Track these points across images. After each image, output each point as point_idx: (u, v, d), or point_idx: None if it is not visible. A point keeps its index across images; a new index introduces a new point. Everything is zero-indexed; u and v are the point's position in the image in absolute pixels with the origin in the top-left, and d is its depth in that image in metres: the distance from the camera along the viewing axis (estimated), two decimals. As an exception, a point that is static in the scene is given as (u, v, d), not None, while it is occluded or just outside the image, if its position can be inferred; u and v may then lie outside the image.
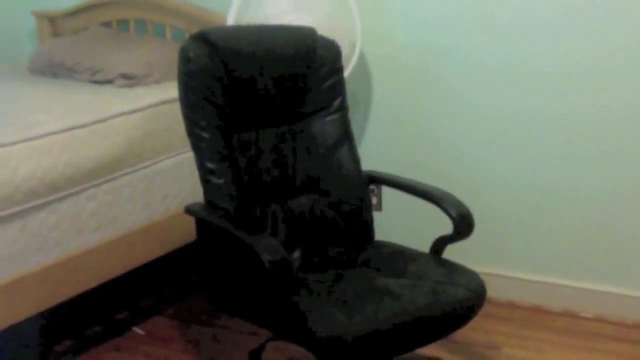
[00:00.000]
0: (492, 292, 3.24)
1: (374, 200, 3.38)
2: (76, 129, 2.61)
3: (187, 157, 3.01)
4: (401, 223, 3.35)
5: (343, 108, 2.60)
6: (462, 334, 2.99)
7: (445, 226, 2.37)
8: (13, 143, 2.40)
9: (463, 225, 2.35)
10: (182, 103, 2.36)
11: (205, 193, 2.35)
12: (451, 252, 2.47)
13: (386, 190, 3.37)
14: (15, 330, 2.80)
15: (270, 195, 2.50)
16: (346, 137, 2.58)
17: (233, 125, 2.44)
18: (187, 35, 3.43)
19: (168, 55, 3.28)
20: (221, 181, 2.34)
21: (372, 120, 3.36)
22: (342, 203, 2.56)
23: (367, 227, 2.59)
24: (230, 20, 3.08)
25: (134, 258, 2.85)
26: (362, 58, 3.29)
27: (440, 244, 2.48)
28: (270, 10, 3.04)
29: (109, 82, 3.21)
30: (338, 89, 2.60)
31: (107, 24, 3.70)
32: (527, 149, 3.14)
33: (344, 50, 2.90)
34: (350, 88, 3.21)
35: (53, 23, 3.80)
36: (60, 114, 2.68)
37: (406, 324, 2.07)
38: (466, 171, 3.24)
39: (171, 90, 3.03)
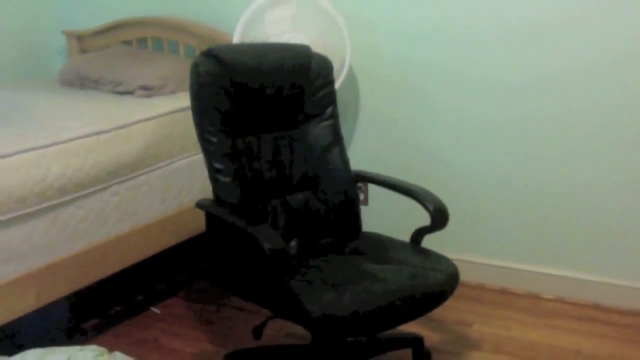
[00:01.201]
0: (464, 276, 3.23)
1: (361, 196, 3.38)
2: (101, 134, 2.63)
3: (197, 158, 3.01)
4: (385, 216, 3.34)
5: (334, 115, 2.60)
6: (438, 313, 2.97)
7: (424, 219, 2.38)
8: (46, 146, 2.42)
9: (439, 217, 2.36)
10: (193, 111, 2.36)
11: (214, 190, 2.35)
12: (429, 242, 2.47)
13: (372, 187, 3.36)
14: (47, 309, 2.79)
15: (271, 191, 2.50)
16: (337, 140, 2.58)
17: (238, 130, 2.44)
18: (197, 52, 3.42)
19: (181, 70, 3.28)
20: (227, 179, 2.34)
21: (360, 125, 3.35)
22: (333, 199, 2.55)
23: (355, 220, 2.59)
24: (236, 39, 3.09)
25: (151, 247, 2.86)
26: (351, 71, 3.28)
27: (419, 235, 2.48)
28: (270, 30, 3.04)
29: (130, 93, 3.22)
30: (330, 98, 2.60)
31: (127, 42, 3.70)
32: (496, 150, 3.13)
33: (335, 65, 2.89)
34: (340, 98, 3.20)
35: (81, 41, 3.80)
36: (87, 121, 2.70)
37: (389, 305, 2.07)
38: (442, 170, 3.23)
39: (184, 100, 3.03)
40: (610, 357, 2.66)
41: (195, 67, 2.34)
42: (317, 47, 2.86)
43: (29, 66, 3.88)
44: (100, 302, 3.09)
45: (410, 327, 2.81)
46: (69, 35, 3.79)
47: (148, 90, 3.17)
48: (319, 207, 2.54)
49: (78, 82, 3.38)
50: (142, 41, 3.68)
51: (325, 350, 2.39)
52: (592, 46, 2.85)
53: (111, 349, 2.57)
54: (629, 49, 2.80)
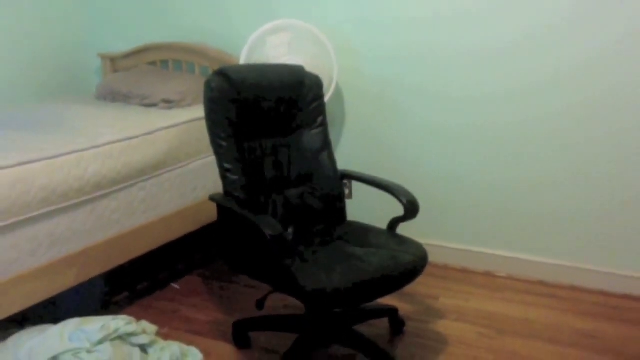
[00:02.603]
0: (431, 257, 3.26)
1: (347, 191, 3.36)
2: (130, 140, 2.63)
3: (210, 159, 3.01)
4: (366, 208, 3.33)
5: (324, 124, 2.59)
6: (411, 288, 3.01)
7: (398, 210, 2.37)
8: (84, 150, 2.42)
9: (411, 209, 2.36)
10: (207, 120, 2.35)
11: (224, 186, 2.34)
12: (403, 229, 2.47)
13: (355, 184, 3.35)
14: (86, 286, 2.78)
15: (271, 187, 2.49)
16: (326, 145, 2.58)
17: (244, 136, 2.44)
18: (210, 71, 3.44)
19: (197, 86, 3.28)
20: (235, 177, 2.33)
21: (345, 132, 3.34)
22: (323, 193, 2.55)
23: (341, 211, 2.58)
24: (242, 60, 3.09)
25: (172, 233, 2.86)
26: (337, 88, 3.28)
27: (394, 223, 2.48)
28: (271, 53, 3.05)
29: (154, 105, 3.22)
30: (320, 110, 2.59)
31: (152, 63, 3.69)
32: (457, 152, 3.13)
33: (325, 82, 2.90)
34: (329, 109, 3.21)
35: (113, 62, 3.79)
36: (119, 128, 2.69)
37: (370, 281, 2.07)
38: (414, 169, 3.23)
39: (199, 111, 3.03)
40: (552, 324, 2.67)
41: (208, 84, 2.34)
42: (310, 68, 2.85)
43: (71, 83, 3.87)
44: (130, 279, 3.08)
45: (387, 300, 2.84)
46: (104, 57, 3.78)
47: (169, 103, 3.17)
48: (311, 200, 2.53)
49: (111, 96, 3.38)
50: (164, 62, 3.67)
51: (317, 319, 2.39)
52: (534, 68, 2.86)
53: (138, 319, 2.57)
54: (567, 70, 2.81)
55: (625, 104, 2.74)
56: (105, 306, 2.82)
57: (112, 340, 2.21)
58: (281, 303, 2.85)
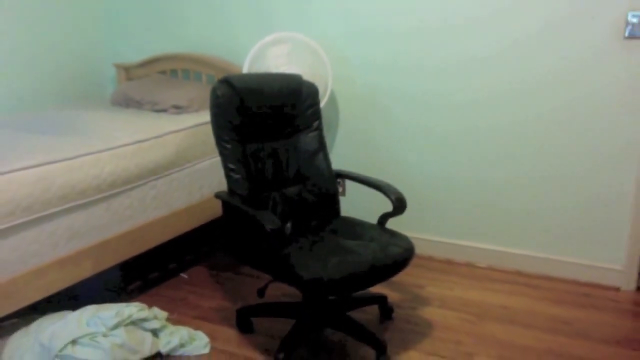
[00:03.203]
0: (418, 250, 3.28)
1: (340, 189, 3.37)
2: (142, 142, 2.62)
3: (215, 160, 3.02)
4: (358, 204, 3.33)
5: (319, 128, 2.58)
6: (399, 278, 3.02)
7: (388, 206, 2.36)
8: (101, 151, 2.42)
9: (399, 205, 2.36)
10: (212, 124, 2.34)
11: (228, 184, 2.34)
12: (392, 224, 2.46)
13: (348, 182, 3.36)
14: (102, 275, 2.79)
15: (271, 185, 2.49)
16: (321, 147, 2.57)
17: (246, 139, 2.43)
18: (216, 80, 3.44)
19: (203, 93, 3.28)
20: (238, 176, 2.33)
21: (339, 135, 3.34)
22: (319, 190, 2.54)
23: (335, 207, 2.58)
24: (245, 69, 3.08)
25: (181, 227, 2.85)
26: (332, 94, 3.28)
27: (384, 218, 2.47)
28: (271, 63, 3.04)
29: (164, 111, 3.21)
30: (316, 115, 2.58)
31: (162, 72, 3.68)
32: (444, 154, 3.13)
33: (320, 89, 2.90)
34: (324, 114, 3.22)
35: (127, 71, 3.78)
36: (132, 131, 2.68)
37: (362, 271, 2.07)
38: (402, 169, 3.23)
39: (205, 116, 3.04)
40: (528, 310, 2.68)
41: (214, 91, 2.33)
42: (307, 76, 2.86)
43: (88, 90, 3.87)
44: (142, 270, 3.08)
45: (377, 289, 2.85)
46: (118, 67, 3.77)
47: (178, 109, 3.17)
48: (308, 197, 2.53)
49: (125, 102, 3.37)
50: (174, 71, 3.67)
51: (313, 306, 2.39)
52: (512, 77, 2.87)
53: (150, 305, 2.59)
54: (543, 79, 2.82)
55: (593, 111, 2.76)
56: (119, 294, 2.82)
57: (126, 325, 2.23)
58: (280, 291, 2.85)
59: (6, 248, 2.05)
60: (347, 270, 2.04)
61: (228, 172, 2.33)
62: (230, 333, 2.49)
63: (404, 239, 2.31)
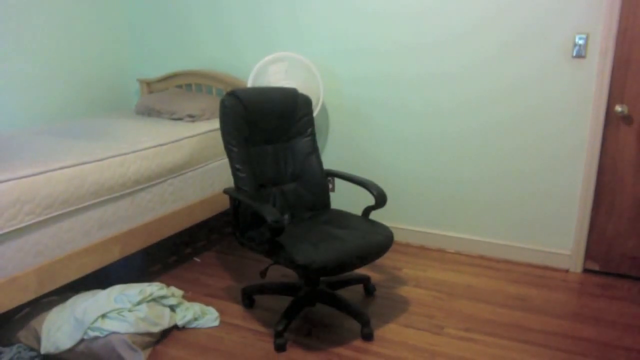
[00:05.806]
0: (397, 237, 3.28)
1: (330, 186, 3.37)
2: (162, 145, 2.61)
3: (224, 161, 3.01)
4: (346, 199, 3.33)
5: (313, 134, 2.58)
6: (380, 261, 3.01)
7: (370, 200, 2.36)
8: (127, 153, 2.42)
9: (380, 200, 2.36)
10: (221, 131, 2.34)
11: (235, 181, 2.34)
12: (374, 215, 2.44)
13: (337, 180, 3.35)
14: (127, 260, 2.80)
15: (272, 182, 2.49)
16: (314, 150, 2.57)
17: (250, 143, 2.43)
18: (224, 92, 3.44)
19: (214, 104, 3.26)
20: (244, 175, 2.33)
21: (329, 140, 3.33)
22: (312, 187, 2.54)
23: (326, 201, 2.57)
24: (249, 84, 3.07)
25: (195, 218, 2.83)
26: (323, 105, 3.27)
27: (367, 211, 2.48)
28: (271, 78, 3.04)
29: (180, 119, 3.19)
30: (310, 122, 2.58)
31: (179, 86, 3.66)
32: (417, 154, 3.12)
33: (313, 100, 2.89)
34: (317, 122, 3.22)
35: (149, 85, 3.76)
36: (153, 136, 2.68)
37: (349, 256, 2.07)
38: (382, 168, 3.21)
39: (216, 124, 3.03)
40: (490, 289, 2.68)
41: (222, 102, 2.34)
42: (302, 89, 2.86)
43: (115, 101, 3.85)
44: (162, 254, 3.08)
45: (361, 271, 2.86)
46: (141, 81, 3.75)
47: (192, 118, 3.15)
48: (303, 193, 2.53)
49: (147, 112, 3.35)
50: (189, 86, 3.64)
51: (307, 286, 2.38)
52: (473, 89, 2.87)
53: (168, 285, 2.60)
54: (498, 91, 2.82)
55: (546, 119, 2.77)
56: (143, 275, 2.83)
57: (148, 301, 2.24)
58: (279, 273, 2.86)
59: (46, 236, 2.07)
60: (336, 254, 2.05)
61: (235, 171, 2.33)
62: (236, 308, 2.49)
63: (385, 228, 2.31)
